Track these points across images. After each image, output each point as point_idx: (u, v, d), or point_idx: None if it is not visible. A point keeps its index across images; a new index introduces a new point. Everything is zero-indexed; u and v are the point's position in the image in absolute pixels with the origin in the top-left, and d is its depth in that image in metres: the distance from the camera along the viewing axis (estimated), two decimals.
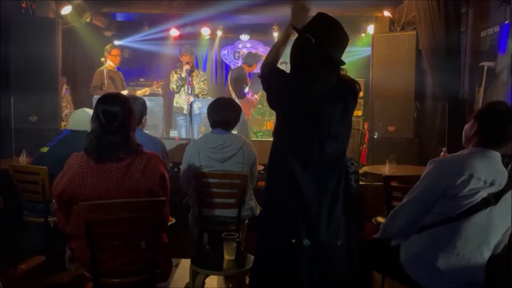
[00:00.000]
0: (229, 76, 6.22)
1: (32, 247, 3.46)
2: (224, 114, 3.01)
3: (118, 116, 2.06)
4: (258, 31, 8.16)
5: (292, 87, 1.88)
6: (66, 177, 2.06)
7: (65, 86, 6.14)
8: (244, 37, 8.20)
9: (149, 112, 3.19)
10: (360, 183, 4.26)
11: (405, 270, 1.98)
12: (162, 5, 6.43)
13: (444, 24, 4.48)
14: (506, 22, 3.80)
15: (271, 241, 1.91)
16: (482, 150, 1.93)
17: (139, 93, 5.95)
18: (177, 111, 5.69)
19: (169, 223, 2.67)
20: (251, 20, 7.61)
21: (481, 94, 4.17)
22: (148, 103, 3.14)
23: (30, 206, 3.18)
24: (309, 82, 1.86)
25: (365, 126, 6.37)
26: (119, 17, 7.54)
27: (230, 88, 5.93)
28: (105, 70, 5.51)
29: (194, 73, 5.56)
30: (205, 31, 7.88)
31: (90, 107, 3.05)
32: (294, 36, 1.96)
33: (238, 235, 2.51)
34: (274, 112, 2.04)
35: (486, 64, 4.12)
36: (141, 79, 7.61)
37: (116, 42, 7.53)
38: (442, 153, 3.68)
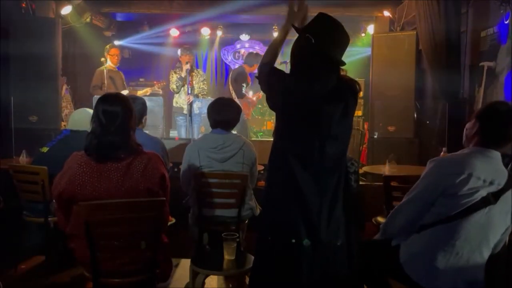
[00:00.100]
0: (229, 76, 6.22)
1: (32, 247, 3.46)
2: (224, 114, 3.01)
3: (118, 116, 2.06)
4: (258, 31, 8.16)
5: (292, 87, 1.88)
6: (66, 177, 2.06)
7: (65, 86, 6.15)
8: (244, 37, 8.20)
9: (149, 112, 3.19)
10: (360, 183, 4.26)
11: (405, 270, 1.98)
12: (162, 5, 6.44)
13: (444, 24, 4.48)
14: (507, 12, 3.79)
15: (271, 241, 1.91)
16: (482, 150, 1.94)
17: (140, 93, 5.95)
18: (177, 111, 5.69)
19: (169, 223, 2.67)
20: (251, 20, 7.61)
21: (481, 94, 4.17)
22: (148, 103, 3.14)
23: (30, 206, 3.18)
24: (309, 82, 1.86)
25: (365, 126, 6.37)
26: (119, 17, 7.53)
27: (231, 88, 5.93)
28: (105, 70, 5.52)
29: (193, 73, 5.57)
30: (205, 31, 7.87)
31: (90, 107, 3.05)
32: (292, 36, 1.96)
33: (238, 235, 2.50)
34: (274, 112, 2.04)
35: (486, 64, 4.13)
36: (141, 79, 7.62)
37: (116, 42, 7.53)
38: (442, 153, 3.68)
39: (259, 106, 7.29)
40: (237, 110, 3.08)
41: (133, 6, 6.51)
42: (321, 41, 1.83)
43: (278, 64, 2.07)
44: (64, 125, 5.20)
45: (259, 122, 7.62)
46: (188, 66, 5.34)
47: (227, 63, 8.86)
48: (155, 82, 6.29)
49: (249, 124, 6.39)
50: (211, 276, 2.75)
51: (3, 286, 2.70)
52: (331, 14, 1.88)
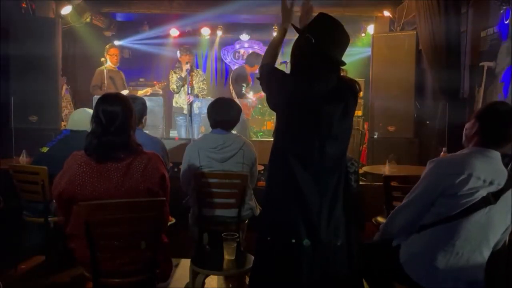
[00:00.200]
0: (230, 76, 6.22)
1: (32, 247, 3.46)
2: (224, 114, 3.01)
3: (118, 116, 2.06)
4: (258, 31, 8.15)
5: (292, 87, 1.88)
6: (66, 177, 2.06)
7: (65, 86, 6.15)
8: (244, 37, 8.20)
9: (149, 112, 3.19)
10: (360, 183, 4.26)
11: (405, 270, 1.98)
12: (162, 5, 6.43)
13: (444, 24, 4.48)
14: (507, 11, 3.79)
15: (271, 241, 1.91)
16: (482, 150, 1.94)
17: (140, 93, 5.96)
18: (177, 111, 5.70)
19: (169, 223, 2.67)
20: (251, 20, 7.61)
21: (481, 94, 4.18)
22: (148, 103, 3.14)
23: (30, 206, 3.18)
24: (309, 82, 1.86)
25: (365, 126, 6.37)
26: (119, 17, 7.54)
27: (231, 88, 5.94)
28: (105, 70, 5.52)
29: (193, 73, 5.57)
30: (205, 31, 7.87)
31: (90, 107, 3.05)
32: (293, 35, 1.96)
33: (238, 235, 2.50)
34: (274, 112, 2.04)
35: (486, 64, 4.13)
36: (141, 79, 7.62)
37: (116, 42, 7.53)
38: (442, 153, 3.68)
39: (259, 106, 7.29)
40: (237, 110, 3.08)
41: (133, 6, 6.51)
42: (321, 41, 1.83)
43: (278, 64, 2.07)
44: (64, 125, 5.20)
45: (259, 122, 7.61)
46: (188, 66, 5.34)
47: (227, 63, 8.86)
48: (155, 82, 6.30)
49: (249, 124, 6.39)
50: (211, 276, 2.75)
51: (3, 286, 2.70)
52: (331, 14, 1.88)
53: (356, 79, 1.99)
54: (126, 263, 2.05)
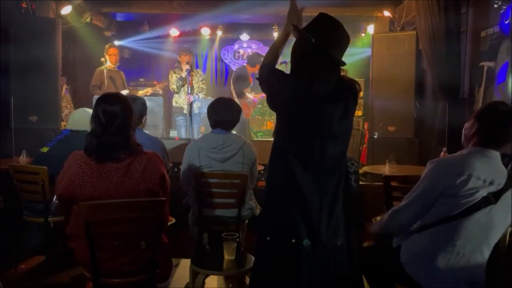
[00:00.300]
0: (231, 76, 6.23)
1: (32, 247, 3.45)
2: (224, 114, 3.01)
3: (118, 116, 2.06)
4: (258, 31, 8.15)
5: (292, 88, 1.88)
6: (66, 177, 2.06)
7: (65, 86, 6.15)
8: (244, 37, 8.20)
9: (149, 112, 3.19)
10: (360, 183, 4.26)
11: (406, 270, 1.98)
12: (162, 5, 6.44)
13: (444, 24, 4.48)
14: (507, 11, 3.79)
15: (271, 241, 1.91)
16: (481, 150, 1.94)
17: (141, 93, 5.96)
18: (177, 111, 5.70)
19: (169, 223, 2.67)
20: (251, 20, 7.61)
21: (481, 94, 4.18)
22: (148, 103, 3.14)
23: (30, 206, 3.18)
24: (309, 82, 1.86)
25: (365, 126, 6.37)
26: (119, 17, 7.54)
27: (232, 87, 5.94)
28: (105, 70, 5.52)
29: (193, 73, 5.57)
30: (205, 31, 7.87)
31: (90, 107, 3.03)
32: (293, 36, 1.96)
33: (238, 235, 2.50)
34: (274, 112, 2.04)
35: (486, 64, 4.13)
36: (141, 79, 7.61)
37: (116, 42, 7.53)
38: (442, 153, 3.67)
39: (259, 106, 7.29)
40: (237, 110, 3.08)
41: (133, 6, 6.51)
42: (322, 41, 1.83)
43: (278, 64, 2.07)
44: (64, 125, 5.20)
45: (259, 122, 7.61)
46: (188, 66, 5.35)
47: (227, 63, 8.86)
48: (156, 83, 6.30)
49: (249, 124, 6.39)
50: (211, 276, 2.75)
51: (3, 286, 2.69)
52: (331, 14, 1.88)
53: (356, 79, 1.99)
54: (126, 263, 2.05)
